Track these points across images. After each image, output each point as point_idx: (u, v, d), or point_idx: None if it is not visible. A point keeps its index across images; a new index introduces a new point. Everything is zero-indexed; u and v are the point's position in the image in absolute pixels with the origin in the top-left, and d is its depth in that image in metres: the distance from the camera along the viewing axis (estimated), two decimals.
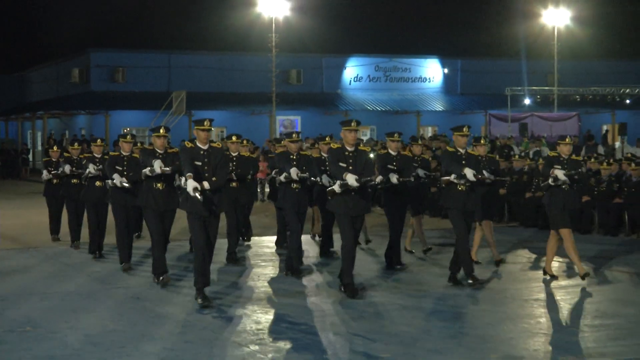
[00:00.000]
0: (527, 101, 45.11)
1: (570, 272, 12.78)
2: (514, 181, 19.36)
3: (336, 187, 10.68)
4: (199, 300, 10.28)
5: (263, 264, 13.82)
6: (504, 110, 41.60)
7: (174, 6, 60.00)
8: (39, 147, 47.38)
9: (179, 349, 8.47)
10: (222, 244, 13.08)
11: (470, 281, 11.41)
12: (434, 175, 14.48)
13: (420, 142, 14.62)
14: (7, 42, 63.84)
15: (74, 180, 14.98)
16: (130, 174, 12.36)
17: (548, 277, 12.11)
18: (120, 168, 12.52)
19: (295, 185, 12.30)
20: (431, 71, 50.10)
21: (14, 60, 59.38)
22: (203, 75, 45.45)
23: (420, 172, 13.57)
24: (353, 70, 48.72)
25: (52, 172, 15.57)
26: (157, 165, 11.23)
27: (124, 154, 12.67)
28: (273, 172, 14.40)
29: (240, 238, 15.18)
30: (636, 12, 56.49)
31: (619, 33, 54.63)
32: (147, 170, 11.41)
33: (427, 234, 15.01)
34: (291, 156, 12.43)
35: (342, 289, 10.92)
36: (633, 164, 17.75)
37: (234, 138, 14.33)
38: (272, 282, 12.17)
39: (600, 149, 32.09)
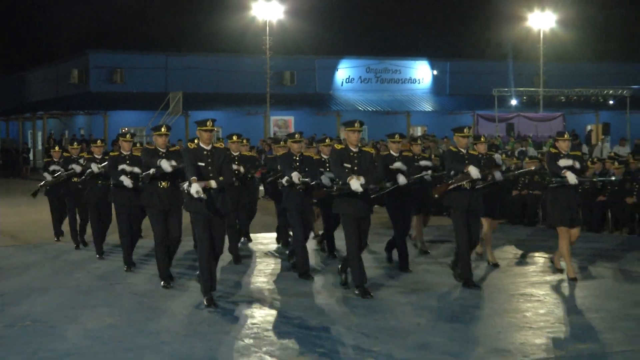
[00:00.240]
0: (513, 102, 45.17)
1: (554, 268, 12.78)
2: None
3: (337, 190, 10.44)
4: (205, 303, 9.96)
5: (260, 260, 13.79)
6: (491, 110, 41.64)
7: (171, 9, 59.98)
8: (39, 147, 47.29)
9: (176, 342, 8.46)
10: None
11: (463, 283, 11.24)
12: (438, 174, 14.06)
13: (419, 141, 14.35)
14: (8, 44, 63.67)
15: (75, 179, 14.86)
16: (141, 175, 11.71)
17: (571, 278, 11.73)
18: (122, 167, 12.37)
19: (299, 186, 11.91)
20: (421, 73, 50.13)
21: (14, 61, 59.21)
22: (199, 76, 45.41)
23: (427, 176, 12.93)
24: (345, 72, 48.73)
25: (59, 173, 15.12)
26: (167, 164, 10.88)
27: (124, 153, 12.51)
28: (271, 173, 14.31)
29: (243, 237, 15.06)
30: (619, 16, 56.65)
31: (603, 36, 54.79)
32: (152, 172, 11.06)
33: (428, 231, 14.86)
34: (294, 157, 12.07)
35: (356, 292, 10.54)
36: (616, 163, 17.79)
37: (234, 137, 13.91)
38: (269, 278, 12.14)
39: (585, 148, 32.14)
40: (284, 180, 11.96)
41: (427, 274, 12.33)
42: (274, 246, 15.13)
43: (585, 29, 49.81)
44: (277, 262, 13.51)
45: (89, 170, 13.77)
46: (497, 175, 11.70)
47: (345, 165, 10.44)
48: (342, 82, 48.58)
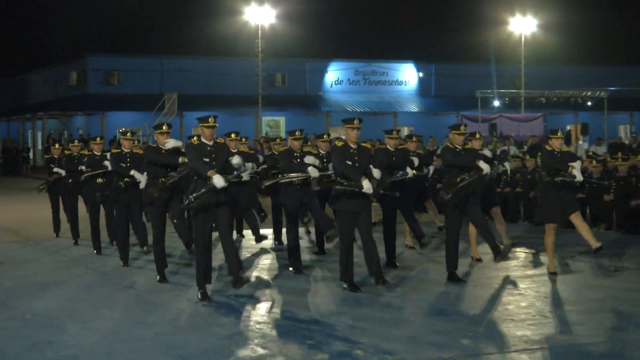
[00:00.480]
0: (496, 103, 45.24)
1: (535, 262, 12.83)
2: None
3: (347, 187, 10.19)
4: (199, 297, 9.89)
5: (252, 257, 13.76)
6: (474, 111, 41.70)
7: (166, 14, 59.91)
8: (39, 146, 47.21)
9: (171, 334, 8.46)
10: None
11: (447, 277, 11.23)
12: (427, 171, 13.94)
13: (414, 139, 14.26)
14: (10, 47, 63.64)
15: (74, 176, 14.80)
16: (171, 174, 11.04)
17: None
18: (124, 165, 12.26)
19: (296, 182, 11.85)
20: (407, 75, 50.21)
21: (16, 64, 59.18)
22: (193, 78, 45.40)
23: (409, 171, 12.51)
24: (334, 74, 48.77)
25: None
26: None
27: (125, 150, 12.47)
28: (262, 168, 14.15)
29: (236, 233, 14.96)
30: (597, 22, 56.83)
31: (582, 40, 54.97)
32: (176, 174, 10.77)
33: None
34: (295, 154, 11.97)
35: (345, 286, 10.51)
36: (594, 161, 17.82)
37: (233, 135, 13.66)
38: (262, 274, 12.11)
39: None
40: (311, 174, 11.68)
41: (414, 268, 12.33)
42: (268, 242, 15.06)
43: (564, 33, 49.99)
44: (270, 258, 13.50)
45: (87, 171, 13.76)
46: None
47: (347, 162, 10.32)
48: (332, 84, 48.62)
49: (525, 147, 30.58)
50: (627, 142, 32.92)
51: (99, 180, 13.61)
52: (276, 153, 13.96)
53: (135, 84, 44.69)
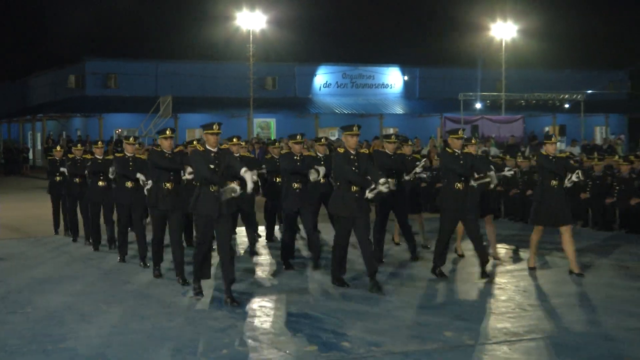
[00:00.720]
0: (478, 105, 45.37)
1: (515, 258, 12.88)
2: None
3: (369, 194, 10.04)
4: (193, 292, 9.85)
5: (245, 253, 13.75)
6: (457, 113, 41.83)
7: (161, 20, 59.83)
8: (39, 147, 47.08)
9: (166, 327, 8.46)
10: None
11: (433, 273, 11.25)
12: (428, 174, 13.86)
13: (410, 142, 14.18)
14: (12, 52, 63.47)
15: (77, 180, 14.71)
16: (186, 174, 11.00)
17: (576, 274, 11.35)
18: (129, 168, 12.10)
19: (296, 185, 11.73)
20: (392, 78, 50.24)
21: (17, 67, 59.01)
22: (187, 81, 45.32)
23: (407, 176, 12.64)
24: (323, 78, 48.76)
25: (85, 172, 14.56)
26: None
27: (128, 154, 12.35)
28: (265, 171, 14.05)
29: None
30: (575, 27, 57.01)
31: (560, 45, 55.14)
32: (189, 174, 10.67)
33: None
34: (295, 157, 11.85)
35: (333, 282, 10.51)
36: (571, 161, 17.84)
37: (235, 139, 13.35)
38: (255, 270, 12.11)
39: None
40: (311, 177, 11.66)
41: (400, 264, 12.35)
42: (262, 240, 15.02)
43: (544, 38, 50.10)
44: (263, 254, 13.49)
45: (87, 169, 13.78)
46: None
47: (350, 168, 10.16)
48: (320, 87, 48.62)
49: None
50: (600, 144, 33.14)
51: (101, 183, 13.55)
52: (275, 157, 13.88)
53: (131, 87, 44.60)
